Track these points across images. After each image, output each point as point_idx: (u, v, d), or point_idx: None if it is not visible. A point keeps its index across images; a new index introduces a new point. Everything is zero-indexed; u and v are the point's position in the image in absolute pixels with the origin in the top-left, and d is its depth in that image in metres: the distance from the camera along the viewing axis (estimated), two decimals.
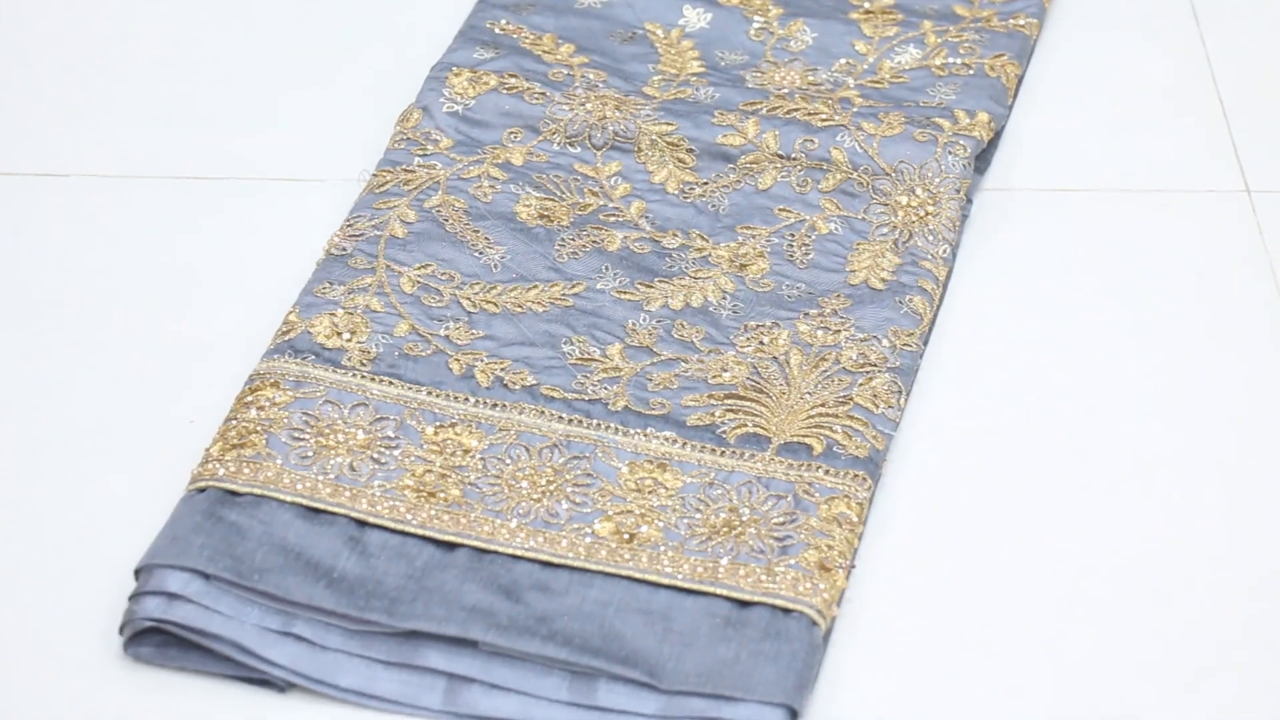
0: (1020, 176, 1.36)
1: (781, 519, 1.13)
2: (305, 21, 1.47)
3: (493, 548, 1.11)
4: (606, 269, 1.27)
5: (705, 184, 1.32)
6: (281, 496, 1.13)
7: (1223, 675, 1.09)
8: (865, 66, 1.40)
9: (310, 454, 1.15)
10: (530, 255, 1.28)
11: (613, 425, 1.18)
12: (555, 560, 1.11)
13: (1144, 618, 1.12)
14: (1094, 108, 1.41)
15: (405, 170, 1.32)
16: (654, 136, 1.34)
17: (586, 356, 1.22)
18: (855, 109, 1.36)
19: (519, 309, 1.24)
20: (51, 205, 1.34)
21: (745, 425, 1.18)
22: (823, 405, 1.19)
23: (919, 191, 1.31)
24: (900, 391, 1.20)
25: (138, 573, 1.09)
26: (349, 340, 1.22)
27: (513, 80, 1.37)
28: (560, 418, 1.18)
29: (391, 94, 1.39)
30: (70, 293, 1.28)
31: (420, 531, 1.12)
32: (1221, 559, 1.14)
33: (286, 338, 1.21)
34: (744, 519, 1.13)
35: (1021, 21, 1.43)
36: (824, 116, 1.35)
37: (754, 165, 1.33)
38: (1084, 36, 1.45)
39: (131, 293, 1.28)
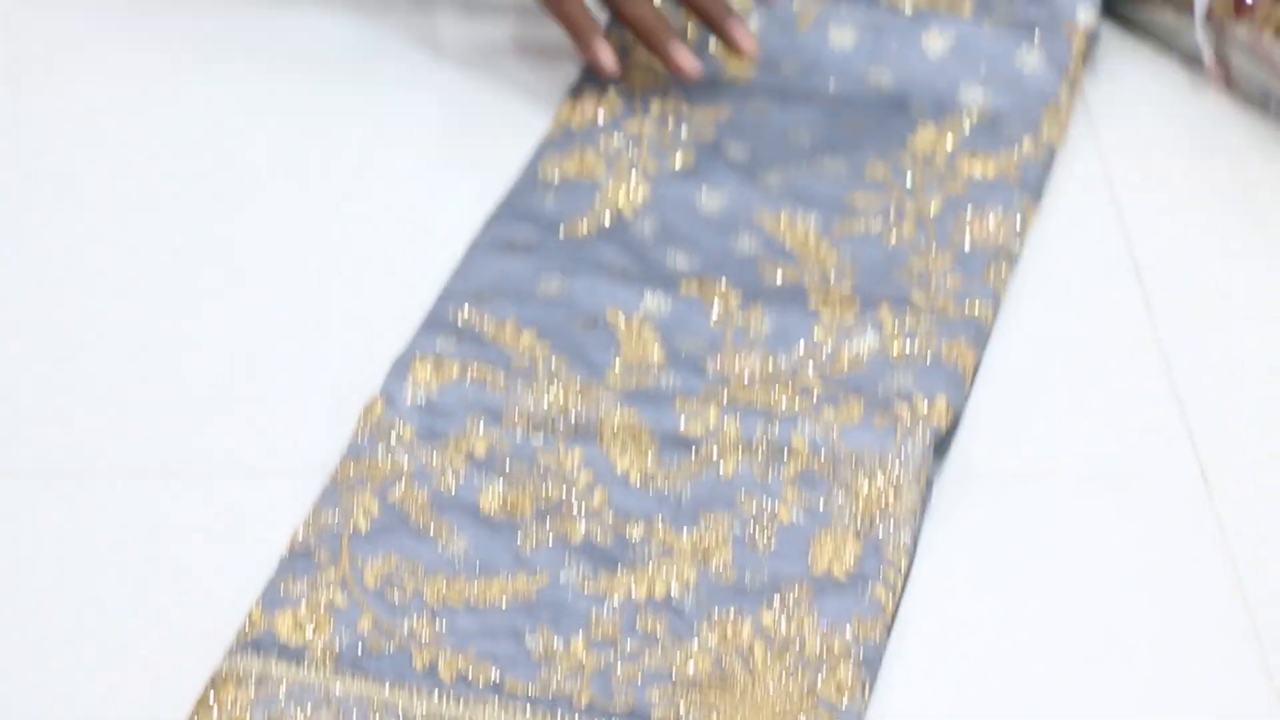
0: (978, 462, 1.37)
1: None
2: (265, 312, 1.48)
3: None
4: (569, 560, 1.27)
5: (667, 473, 1.33)
6: None
7: None
8: (825, 354, 1.41)
9: None
10: (494, 547, 1.27)
11: None
12: None
13: None
14: (1050, 394, 1.42)
15: (369, 461, 1.32)
16: (616, 425, 1.35)
17: (550, 650, 1.21)
18: (815, 396, 1.37)
19: (482, 602, 1.24)
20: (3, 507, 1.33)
21: None
22: (787, 698, 1.19)
23: (880, 479, 1.32)
24: (865, 682, 1.20)
25: None
26: (312, 636, 1.21)
27: (475, 369, 1.38)
28: (525, 714, 1.17)
29: (355, 384, 1.39)
30: (22, 594, 1.27)
31: None
32: None
33: (249, 635, 1.21)
34: None
35: (977, 310, 1.44)
36: (784, 404, 1.36)
37: (715, 453, 1.34)
38: (1039, 324, 1.47)
39: (89, 591, 1.27)
